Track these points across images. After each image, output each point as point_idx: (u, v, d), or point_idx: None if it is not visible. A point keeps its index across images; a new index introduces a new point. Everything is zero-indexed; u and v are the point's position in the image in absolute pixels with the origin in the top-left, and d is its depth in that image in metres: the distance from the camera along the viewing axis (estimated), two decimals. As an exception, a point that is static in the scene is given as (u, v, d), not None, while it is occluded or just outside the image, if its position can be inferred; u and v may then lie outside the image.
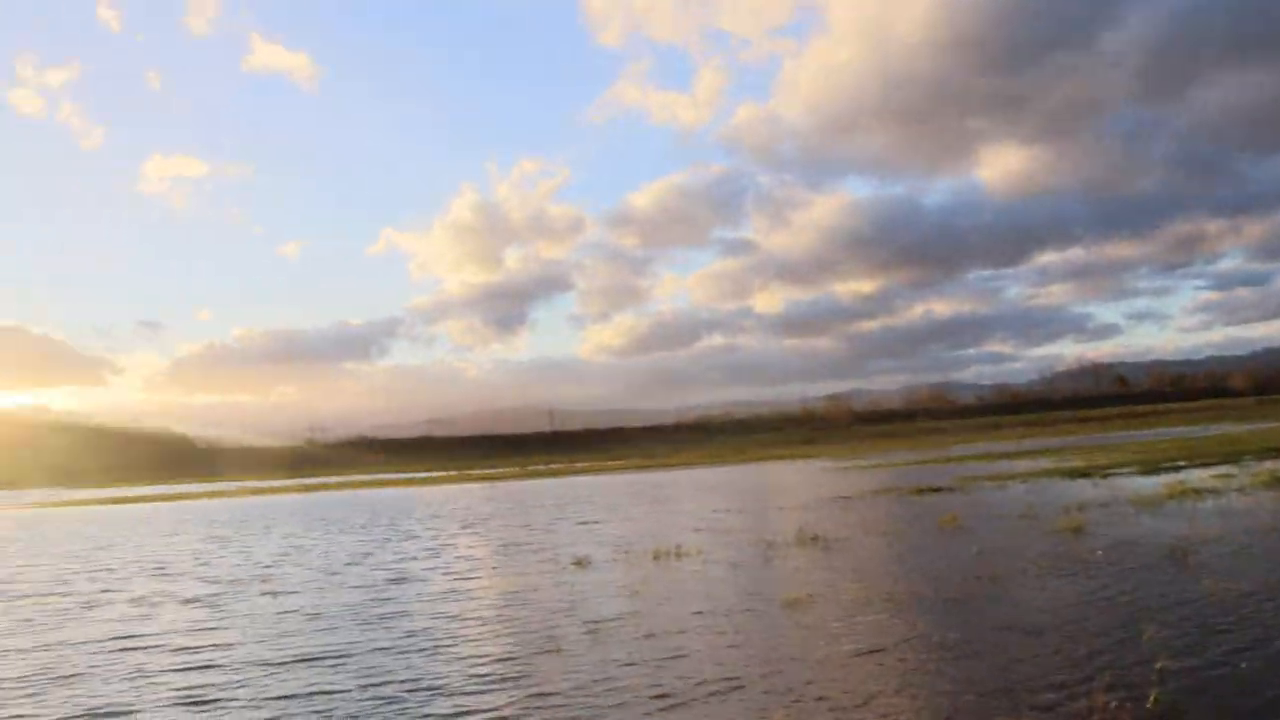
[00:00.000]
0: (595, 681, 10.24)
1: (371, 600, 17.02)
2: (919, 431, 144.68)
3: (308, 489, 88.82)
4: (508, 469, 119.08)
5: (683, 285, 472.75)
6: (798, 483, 47.97)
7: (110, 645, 13.61)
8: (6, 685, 11.39)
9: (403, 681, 10.66)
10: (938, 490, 34.10)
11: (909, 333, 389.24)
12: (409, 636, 13.32)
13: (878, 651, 10.65)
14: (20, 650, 13.55)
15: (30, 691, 11.01)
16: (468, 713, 9.29)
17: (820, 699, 8.98)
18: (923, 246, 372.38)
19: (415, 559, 23.87)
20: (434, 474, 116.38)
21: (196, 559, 26.37)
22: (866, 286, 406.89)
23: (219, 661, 12.21)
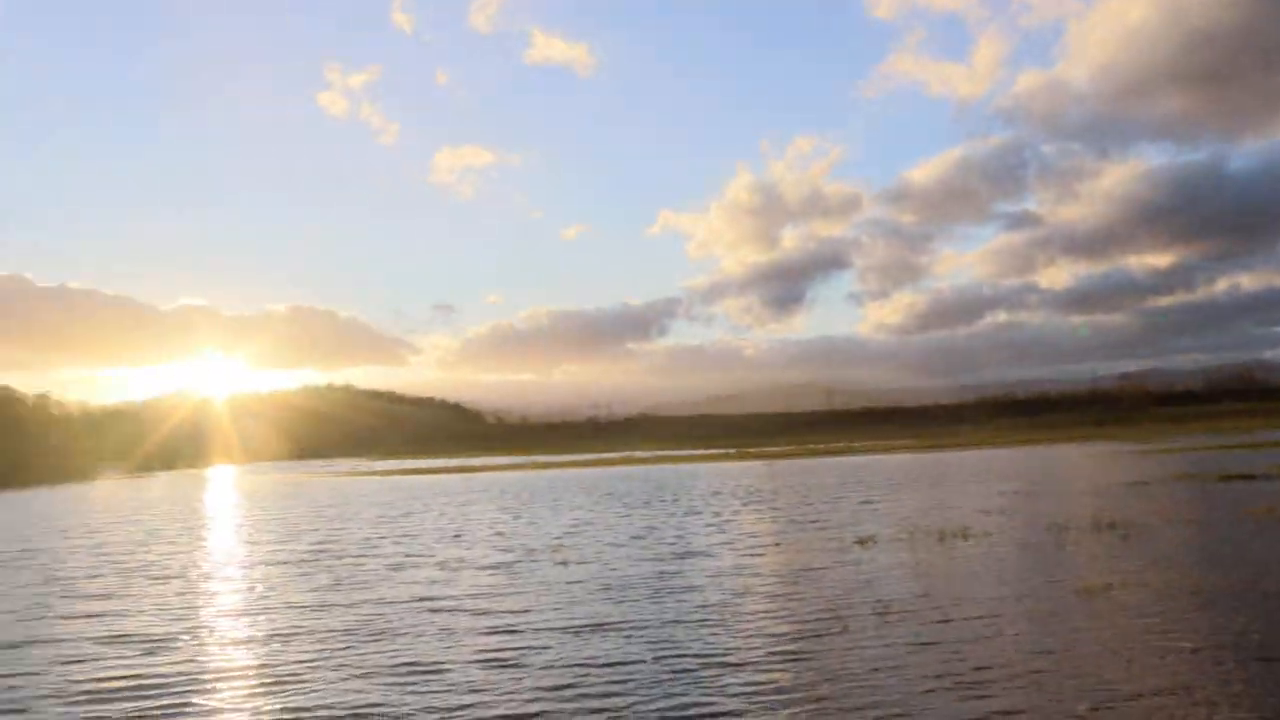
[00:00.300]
0: (886, 664, 10.73)
1: (659, 573, 18.53)
2: (1221, 415, 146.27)
3: (590, 464, 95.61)
4: (786, 448, 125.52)
5: (963, 261, 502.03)
6: (1088, 466, 48.18)
7: (417, 605, 15.77)
8: (328, 638, 13.56)
9: (694, 654, 11.58)
10: (1247, 478, 33.70)
11: (1211, 309, 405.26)
12: (698, 609, 14.47)
13: (1193, 650, 10.44)
14: (338, 606, 16.02)
15: (349, 645, 13.00)
16: (758, 688, 9.99)
17: (1135, 697, 8.89)
18: (1227, 216, 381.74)
19: (699, 534, 25.65)
20: (712, 451, 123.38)
21: (491, 528, 29.56)
22: (1162, 260, 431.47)
23: (517, 626, 13.83)
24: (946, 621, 12.95)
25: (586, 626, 13.68)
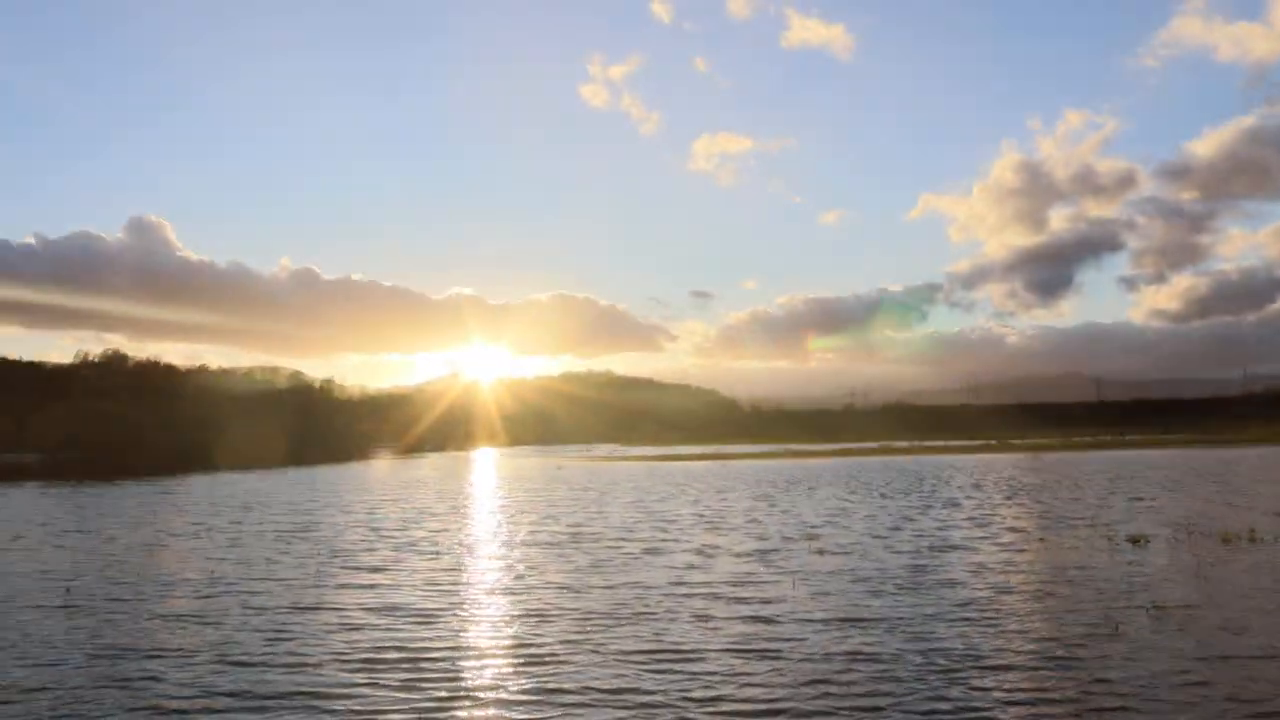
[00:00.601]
0: (1165, 674, 10.16)
1: (918, 566, 18.41)
2: None
3: (847, 453, 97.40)
4: (1049, 440, 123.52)
5: (1252, 241, 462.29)
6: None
7: (673, 590, 16.25)
8: (586, 618, 14.14)
9: (957, 653, 11.38)
10: None
11: None
12: (959, 606, 14.23)
13: None
14: (596, 588, 16.73)
15: (606, 626, 13.56)
16: (1023, 693, 9.69)
17: None
18: None
19: (959, 527, 25.54)
20: (972, 442, 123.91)
21: (747, 515, 30.20)
22: None
23: (774, 615, 13.96)
24: (1237, 634, 11.89)
25: (845, 619, 13.64)
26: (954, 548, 21.22)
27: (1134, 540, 21.13)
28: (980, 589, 15.76)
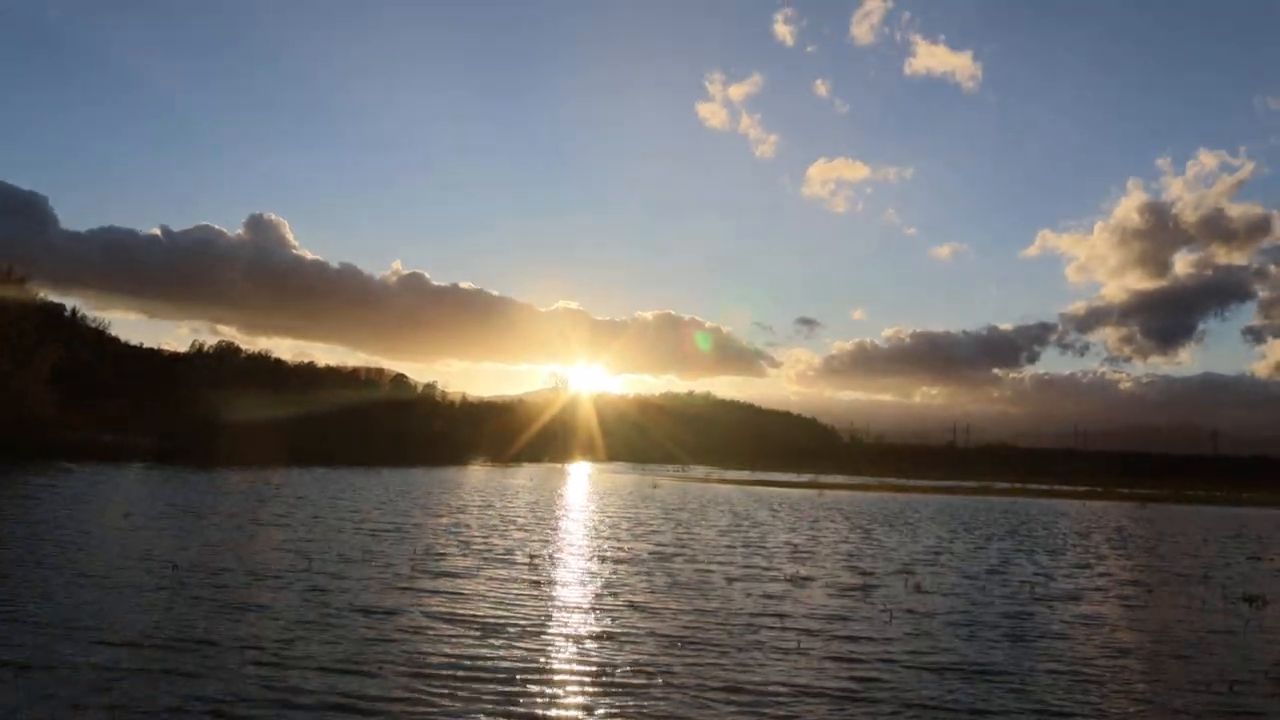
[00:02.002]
0: None
1: (1021, 613, 17.60)
2: None
3: (946, 491, 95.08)
4: (1159, 490, 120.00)
5: None
6: None
7: (755, 620, 15.74)
8: (666, 645, 13.73)
9: (1066, 714, 10.57)
10: None
11: None
12: (1067, 662, 13.42)
13: None
14: (679, 612, 16.37)
15: (685, 655, 13.14)
16: None
17: None
18: None
19: (1064, 575, 24.68)
20: (1076, 488, 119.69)
21: (841, 547, 29.79)
22: None
23: (866, 656, 13.28)
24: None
25: (944, 665, 12.91)
26: (1059, 597, 20.43)
27: (1250, 600, 20.38)
28: (1086, 643, 15.03)
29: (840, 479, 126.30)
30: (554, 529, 32.36)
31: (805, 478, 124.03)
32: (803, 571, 23.09)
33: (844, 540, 32.83)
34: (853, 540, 33.00)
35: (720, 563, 24.31)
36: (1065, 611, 18.22)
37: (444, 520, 33.40)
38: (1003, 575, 24.12)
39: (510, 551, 24.67)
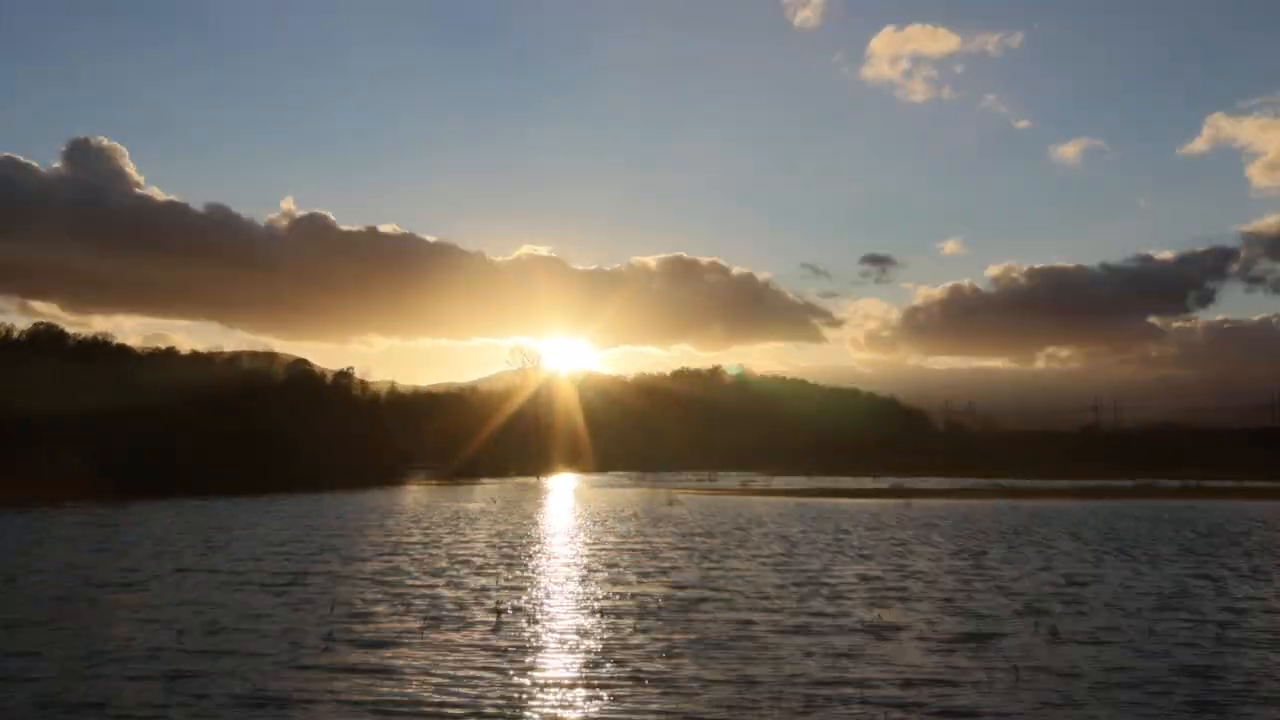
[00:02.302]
0: None
1: (1208, 668, 17.64)
2: None
3: (1089, 494, 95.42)
4: None
5: None
6: None
7: (828, 690, 15.96)
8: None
9: None
10: None
11: None
12: None
13: None
14: (709, 682, 16.57)
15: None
16: None
17: None
18: None
19: (1264, 609, 24.84)
20: (1278, 484, 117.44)
21: (941, 579, 30.01)
22: None
23: None
24: None
25: None
26: (1263, 642, 20.43)
27: None
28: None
29: (934, 482, 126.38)
30: (528, 571, 32.43)
31: (884, 483, 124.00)
32: (886, 617, 23.12)
33: (943, 570, 32.97)
34: (956, 569, 33.13)
35: (767, 609, 24.32)
36: (1274, 662, 18.27)
37: (369, 566, 33.45)
38: (1176, 612, 24.19)
39: (465, 606, 24.67)
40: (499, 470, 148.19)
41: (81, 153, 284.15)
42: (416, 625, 21.81)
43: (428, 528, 50.17)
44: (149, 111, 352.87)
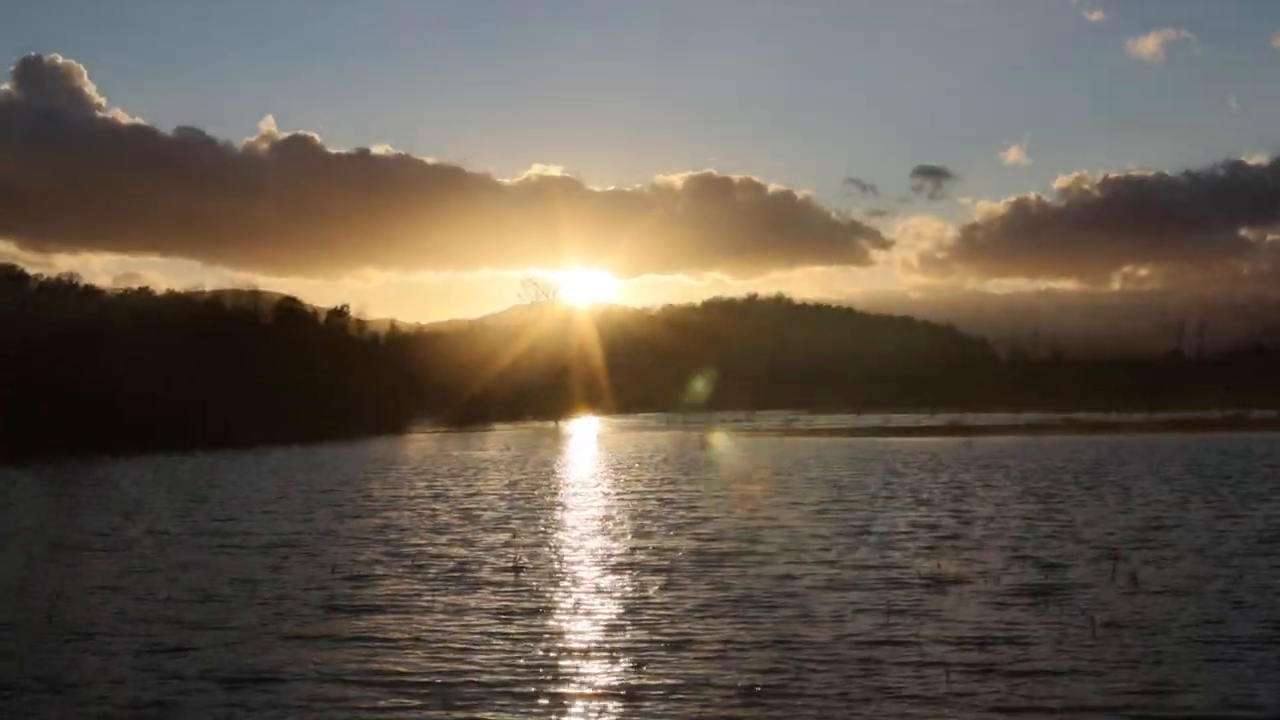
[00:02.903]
0: None
1: None
2: None
3: (1173, 426, 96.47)
4: None
5: None
6: None
7: (880, 653, 15.81)
8: (714, 699, 13.84)
9: None
10: None
11: None
12: None
13: None
14: (743, 646, 16.55)
15: (754, 711, 13.45)
16: None
17: None
18: None
19: None
20: None
21: (1006, 524, 30.14)
22: None
23: (1061, 703, 13.24)
24: None
25: (1186, 716, 12.71)
26: None
27: None
28: None
29: (997, 418, 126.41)
30: (544, 525, 32.57)
31: (942, 419, 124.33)
32: (946, 568, 23.14)
33: (1009, 515, 33.01)
34: (1024, 514, 33.19)
35: (812, 561, 24.40)
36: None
37: (368, 523, 33.57)
38: (1272, 558, 24.14)
39: (475, 565, 24.69)
40: (513, 415, 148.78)
41: (34, 73, 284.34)
42: (418, 587, 21.83)
43: (433, 480, 50.34)
44: (109, 26, 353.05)
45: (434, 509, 37.21)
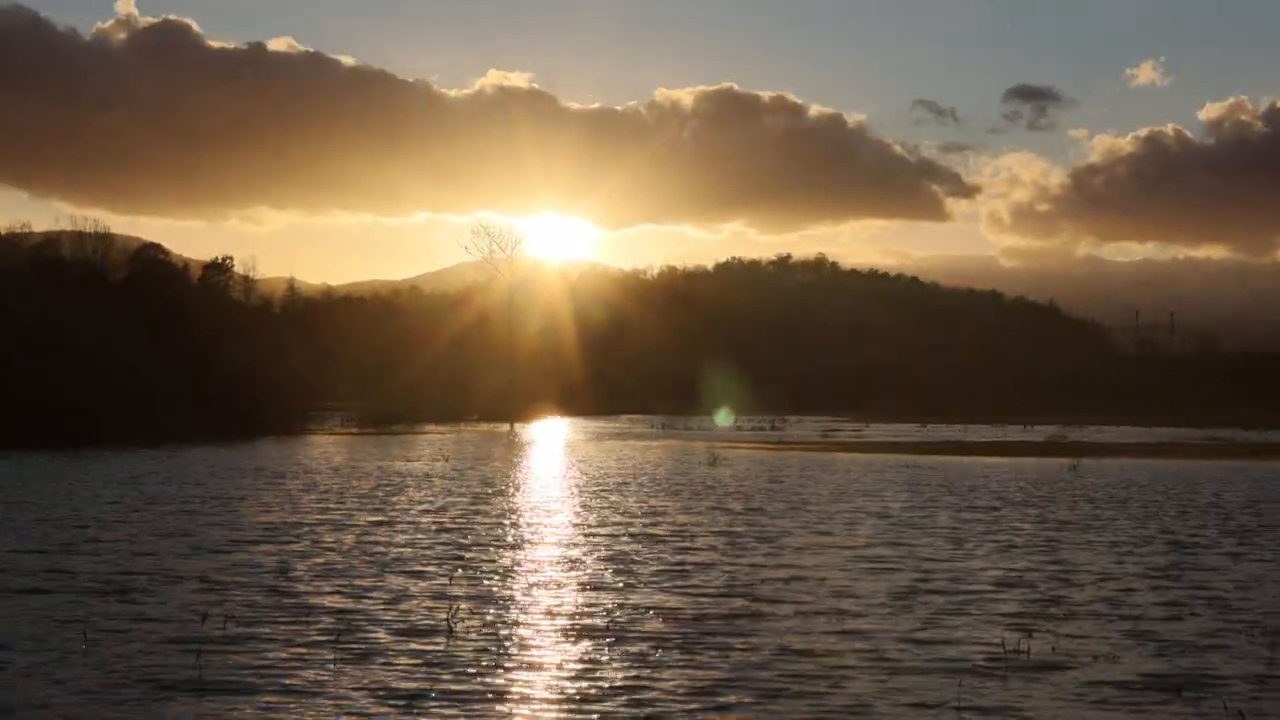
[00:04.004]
0: None
1: None
2: None
3: None
4: None
5: None
6: None
7: None
8: None
9: None
10: None
11: None
12: None
13: None
14: None
15: None
16: None
17: None
18: None
19: None
20: None
21: (1117, 584, 30.08)
22: None
23: None
24: None
25: None
26: None
27: None
28: None
29: (1116, 433, 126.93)
30: (489, 568, 32.67)
31: (1038, 433, 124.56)
32: (1040, 645, 22.79)
33: (1128, 569, 33.16)
34: (1148, 568, 33.38)
35: (855, 630, 24.20)
36: None
37: (230, 559, 33.54)
38: None
39: (375, 624, 24.47)
40: (453, 414, 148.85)
41: None
42: (294, 655, 21.47)
43: (337, 500, 50.65)
44: None
45: (329, 544, 37.09)
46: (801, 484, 60.22)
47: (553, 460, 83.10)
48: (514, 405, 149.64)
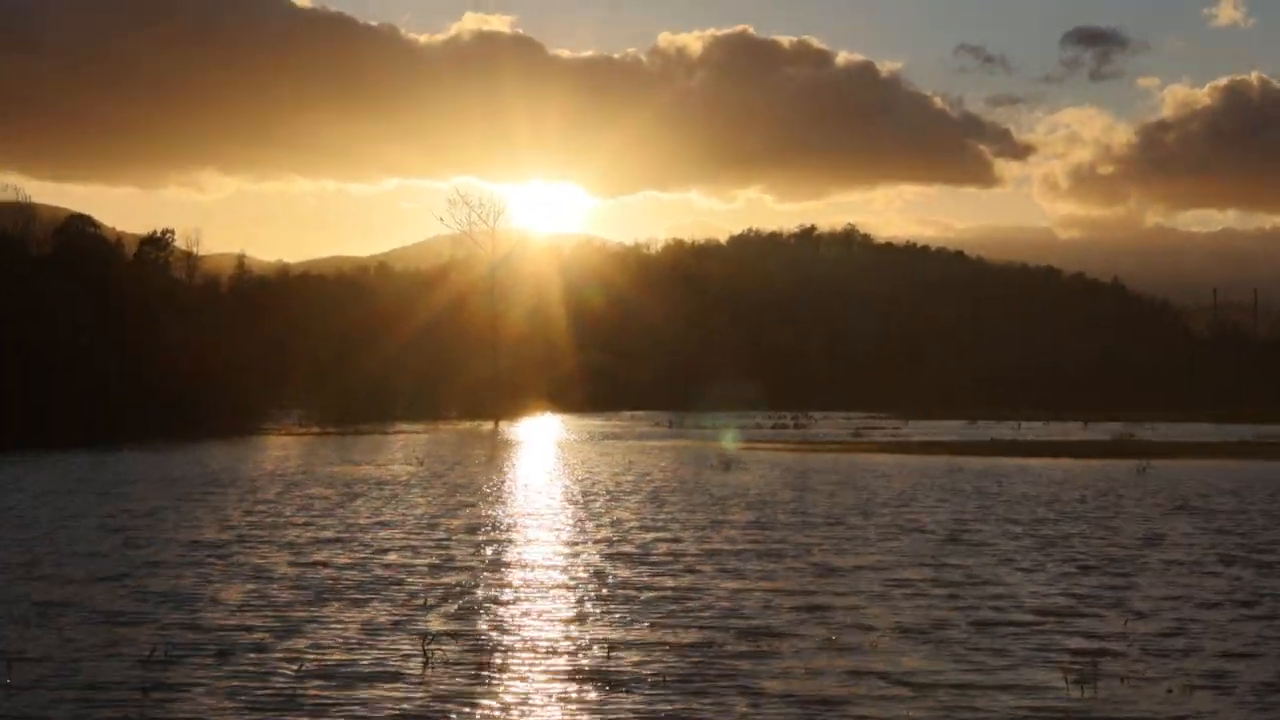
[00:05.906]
0: None
1: None
2: None
3: None
4: None
5: None
6: None
7: None
8: None
9: None
10: None
11: None
12: None
13: None
14: None
15: None
16: None
17: None
18: None
19: None
20: None
21: (1215, 616, 29.25)
22: None
23: None
24: None
25: None
26: None
27: None
28: None
29: (1190, 430, 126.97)
30: (468, 591, 32.43)
31: (1101, 431, 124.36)
32: (1109, 693, 22.00)
33: (1211, 592, 32.66)
34: (1235, 590, 32.93)
35: (880, 673, 23.40)
36: None
37: (164, 584, 33.05)
38: None
39: (370, 661, 23.88)
40: (428, 410, 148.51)
41: None
42: (229, 706, 20.66)
43: (294, 512, 50.51)
44: None
45: (268, 567, 36.45)
46: (829, 492, 59.79)
47: (541, 464, 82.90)
48: (497, 400, 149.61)
